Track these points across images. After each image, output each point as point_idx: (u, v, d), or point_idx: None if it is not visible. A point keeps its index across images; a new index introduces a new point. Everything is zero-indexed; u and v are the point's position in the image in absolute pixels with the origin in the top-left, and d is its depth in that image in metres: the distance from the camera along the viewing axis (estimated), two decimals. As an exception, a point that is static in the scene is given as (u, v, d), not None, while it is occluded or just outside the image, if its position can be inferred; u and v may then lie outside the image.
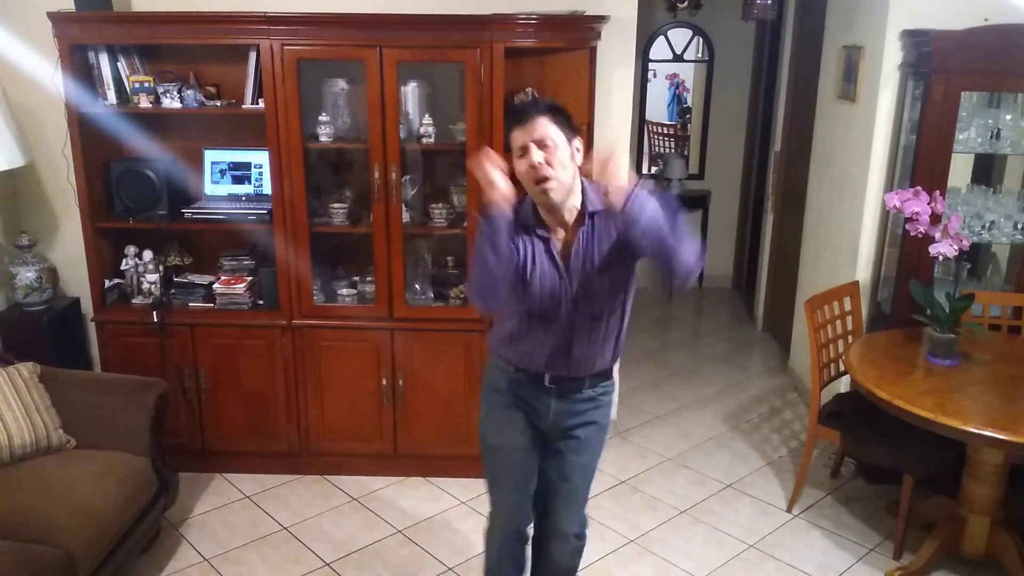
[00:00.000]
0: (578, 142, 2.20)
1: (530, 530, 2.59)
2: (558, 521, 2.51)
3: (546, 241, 2.24)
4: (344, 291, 3.67)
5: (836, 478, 3.82)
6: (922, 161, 3.41)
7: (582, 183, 2.24)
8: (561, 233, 2.26)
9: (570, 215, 2.24)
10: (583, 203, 2.23)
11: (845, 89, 4.13)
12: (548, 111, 2.15)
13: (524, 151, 2.13)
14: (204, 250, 3.81)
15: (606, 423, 2.48)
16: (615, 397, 2.52)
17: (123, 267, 3.69)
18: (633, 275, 2.32)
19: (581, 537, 2.57)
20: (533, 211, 2.24)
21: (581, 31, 3.44)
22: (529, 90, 3.52)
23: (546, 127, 2.12)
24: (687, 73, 6.86)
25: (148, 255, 3.68)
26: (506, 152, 2.23)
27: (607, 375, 2.42)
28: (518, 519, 2.55)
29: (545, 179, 2.12)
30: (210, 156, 3.66)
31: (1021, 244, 3.59)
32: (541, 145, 2.12)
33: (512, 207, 2.15)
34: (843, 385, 3.72)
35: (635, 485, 3.78)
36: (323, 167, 3.71)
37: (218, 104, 3.54)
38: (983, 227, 3.53)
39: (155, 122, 3.64)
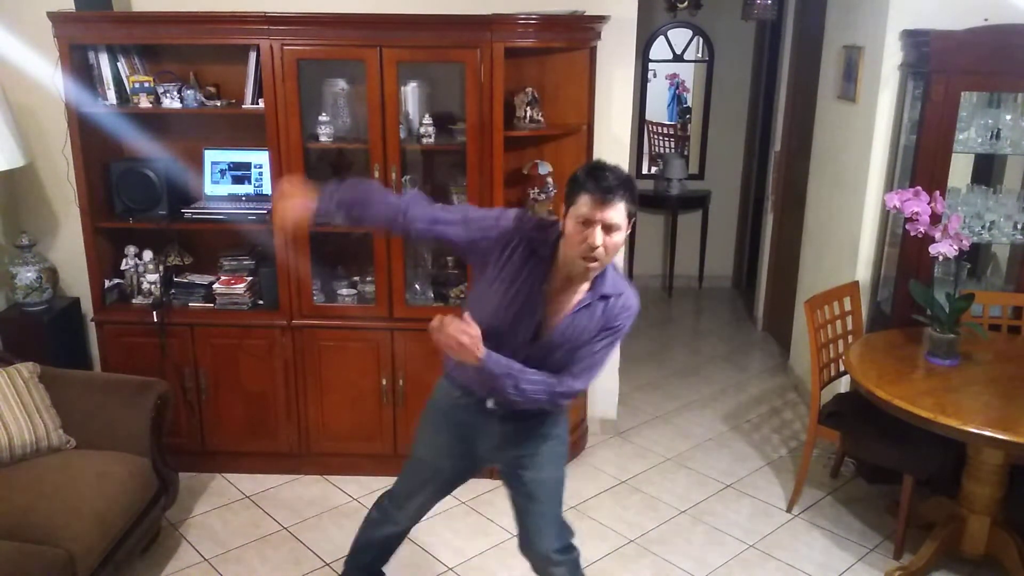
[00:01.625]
0: (632, 220, 2.11)
1: (407, 530, 2.67)
2: (538, 544, 2.46)
3: (543, 276, 2.17)
4: (344, 291, 3.67)
5: (836, 478, 3.82)
6: (922, 161, 3.41)
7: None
8: (558, 286, 2.18)
9: (581, 280, 2.17)
10: (599, 279, 2.17)
11: (845, 89, 4.13)
12: (629, 193, 2.05)
13: (588, 224, 2.03)
14: (204, 250, 3.81)
15: (560, 432, 2.43)
16: (565, 410, 2.44)
17: (123, 267, 3.69)
18: None
19: (568, 551, 2.51)
20: (552, 249, 2.16)
21: (581, 31, 3.44)
22: (529, 90, 3.52)
23: (623, 214, 2.04)
24: (687, 73, 6.84)
25: (148, 255, 3.68)
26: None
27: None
28: (405, 515, 2.60)
29: (595, 260, 2.07)
30: (210, 156, 3.65)
31: (1021, 244, 3.59)
32: (608, 229, 2.04)
33: (535, 229, 2.17)
34: (843, 385, 3.72)
35: (635, 485, 3.78)
36: (323, 167, 3.71)
37: (218, 104, 3.54)
38: (983, 227, 3.53)
39: (155, 122, 3.63)
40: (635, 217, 2.10)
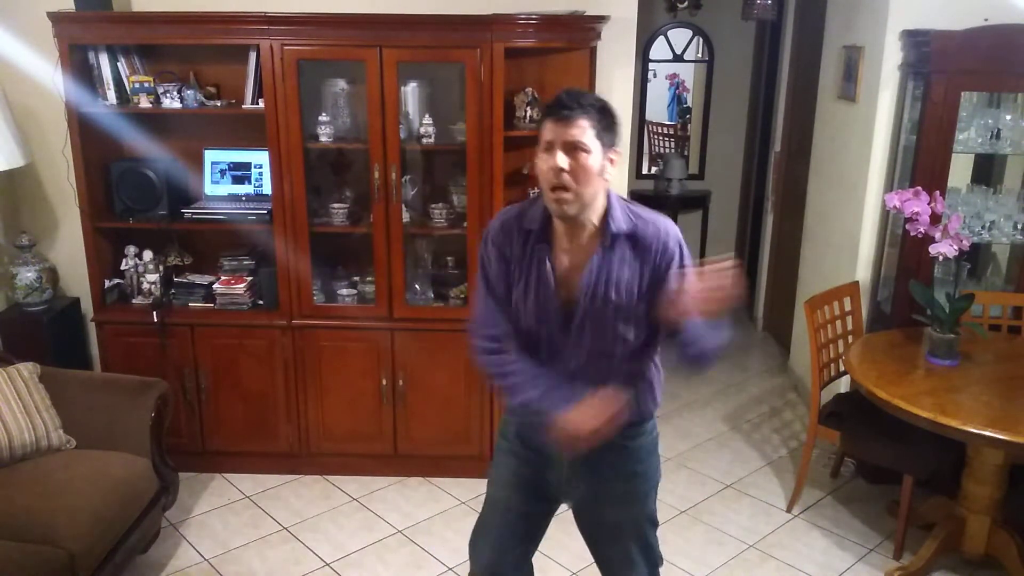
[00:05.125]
0: (614, 153, 1.91)
1: None
2: None
3: (545, 255, 1.98)
4: (344, 291, 3.67)
5: (836, 478, 3.82)
6: (922, 161, 3.41)
7: (608, 198, 1.95)
8: (566, 247, 1.98)
9: (586, 231, 1.95)
10: (605, 220, 1.94)
11: (845, 89, 4.13)
12: (595, 112, 1.85)
13: (551, 148, 1.86)
14: (204, 250, 3.81)
15: (646, 471, 2.16)
16: (655, 437, 2.19)
17: (123, 267, 3.69)
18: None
19: None
20: (543, 215, 1.97)
21: (581, 31, 3.44)
22: (529, 90, 3.52)
23: (585, 131, 1.84)
24: (687, 73, 6.84)
25: (148, 255, 3.68)
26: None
27: (639, 423, 2.10)
28: (483, 563, 2.26)
29: (564, 188, 1.85)
30: (210, 156, 3.66)
31: (1021, 244, 3.59)
32: (571, 149, 1.84)
33: (519, 208, 2.01)
34: (843, 385, 3.72)
35: (635, 485, 3.78)
36: (323, 167, 3.71)
37: (218, 104, 3.54)
38: (983, 227, 3.52)
39: (155, 122, 3.64)
40: (612, 148, 1.90)
